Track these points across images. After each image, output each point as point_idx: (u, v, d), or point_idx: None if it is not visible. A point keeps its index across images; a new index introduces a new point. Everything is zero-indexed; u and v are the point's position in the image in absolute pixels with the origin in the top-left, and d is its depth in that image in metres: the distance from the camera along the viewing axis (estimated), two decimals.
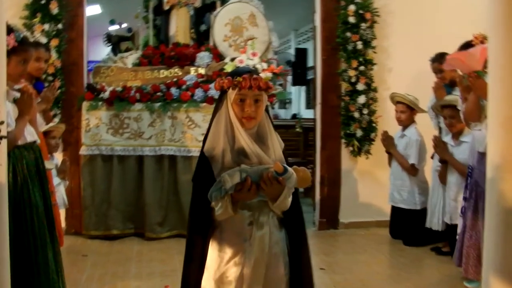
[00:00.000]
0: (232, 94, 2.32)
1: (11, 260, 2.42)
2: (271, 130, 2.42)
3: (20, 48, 3.03)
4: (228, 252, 2.36)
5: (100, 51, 8.39)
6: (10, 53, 2.85)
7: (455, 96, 4.65)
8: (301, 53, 13.83)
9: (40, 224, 3.14)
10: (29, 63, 3.19)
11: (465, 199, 4.21)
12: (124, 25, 7.51)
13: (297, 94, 15.41)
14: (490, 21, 2.51)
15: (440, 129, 5.43)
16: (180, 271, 4.66)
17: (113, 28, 7.65)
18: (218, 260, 2.37)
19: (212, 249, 2.39)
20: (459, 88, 4.25)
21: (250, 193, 2.26)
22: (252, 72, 2.36)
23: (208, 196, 2.25)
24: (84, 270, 4.75)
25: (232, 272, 2.34)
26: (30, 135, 3.22)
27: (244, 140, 2.31)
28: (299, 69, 13.64)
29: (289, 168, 2.26)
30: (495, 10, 2.46)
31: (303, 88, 14.81)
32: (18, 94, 3.21)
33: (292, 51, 14.89)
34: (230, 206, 2.27)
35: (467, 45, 3.91)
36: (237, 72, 2.36)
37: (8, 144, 2.49)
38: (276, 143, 2.41)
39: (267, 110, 2.43)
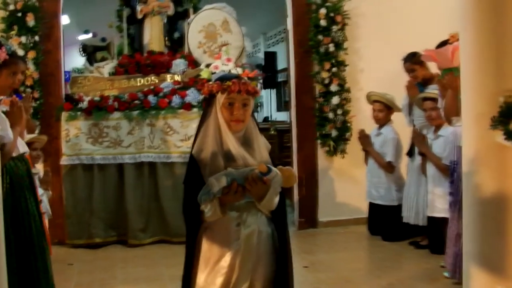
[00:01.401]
0: (221, 98, 2.41)
1: (16, 268, 2.47)
2: (257, 133, 2.51)
3: (10, 61, 3.08)
4: (218, 252, 2.44)
5: (70, 61, 8.38)
6: (1, 66, 2.91)
7: (436, 90, 4.70)
8: (271, 57, 13.93)
9: (38, 231, 3.19)
10: (17, 75, 3.25)
11: (451, 194, 4.27)
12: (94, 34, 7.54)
13: (268, 97, 15.50)
14: (461, 21, 2.66)
15: (414, 126, 5.53)
16: (166, 275, 4.76)
17: (84, 37, 7.67)
18: (208, 259, 2.45)
19: (203, 249, 2.47)
20: (437, 85, 4.35)
21: (237, 195, 2.34)
22: (239, 77, 2.47)
23: (198, 199, 2.33)
24: (71, 279, 4.78)
25: (221, 271, 2.41)
26: (21, 146, 3.27)
27: (231, 143, 2.40)
28: (269, 72, 13.74)
29: (274, 168, 2.34)
30: (466, 11, 2.60)
31: (274, 91, 14.91)
32: (3, 107, 3.26)
33: (261, 55, 14.96)
34: (219, 209, 2.35)
35: (443, 44, 3.97)
36: (226, 77, 2.46)
37: (5, 156, 2.55)
38: (262, 146, 2.50)
39: (252, 114, 2.52)
